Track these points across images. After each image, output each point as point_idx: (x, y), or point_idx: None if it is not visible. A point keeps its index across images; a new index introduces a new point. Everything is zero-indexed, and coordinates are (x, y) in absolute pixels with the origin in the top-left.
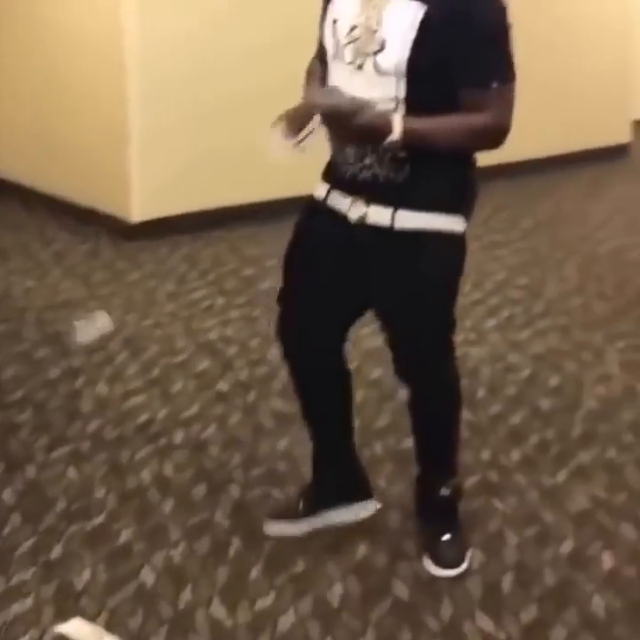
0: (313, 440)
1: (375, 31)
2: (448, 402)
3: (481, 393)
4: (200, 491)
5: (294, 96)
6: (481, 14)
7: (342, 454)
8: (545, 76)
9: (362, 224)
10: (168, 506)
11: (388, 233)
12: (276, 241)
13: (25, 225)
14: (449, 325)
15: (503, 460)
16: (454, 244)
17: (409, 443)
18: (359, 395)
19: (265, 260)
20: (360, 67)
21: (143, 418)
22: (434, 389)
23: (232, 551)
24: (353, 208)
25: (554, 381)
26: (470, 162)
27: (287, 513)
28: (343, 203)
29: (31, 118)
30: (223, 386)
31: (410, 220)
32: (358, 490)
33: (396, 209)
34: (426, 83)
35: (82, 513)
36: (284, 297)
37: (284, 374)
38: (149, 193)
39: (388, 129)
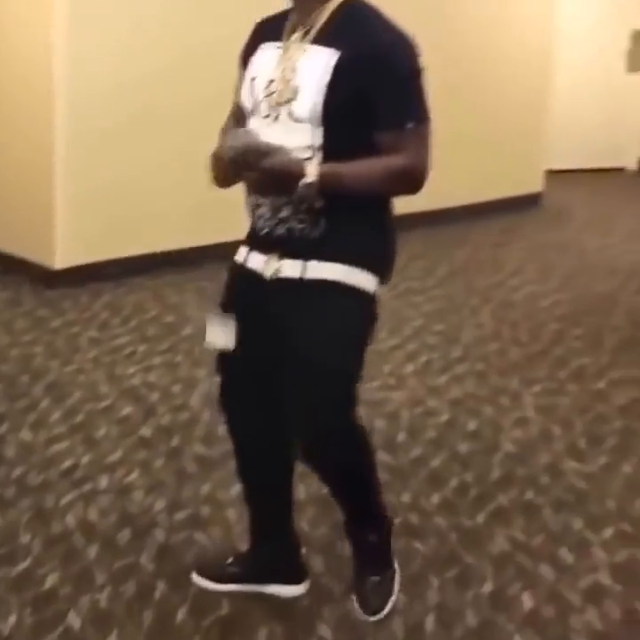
0: (250, 512)
1: (289, 80)
2: (348, 453)
3: (401, 437)
4: (125, 535)
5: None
6: (393, 57)
7: (281, 534)
8: (460, 126)
9: (276, 280)
10: (93, 550)
11: (298, 285)
12: (197, 288)
13: None
14: (344, 381)
15: (423, 502)
16: (361, 301)
17: None
18: None
19: (186, 308)
20: (276, 118)
21: (67, 463)
22: (328, 443)
23: (157, 594)
24: (267, 265)
25: (472, 425)
26: (387, 221)
27: (216, 575)
28: (259, 261)
29: None
30: (146, 431)
31: (318, 270)
32: (293, 573)
33: (307, 260)
34: (341, 128)
35: (7, 558)
36: (219, 368)
37: (205, 419)
38: (73, 240)
39: (301, 172)
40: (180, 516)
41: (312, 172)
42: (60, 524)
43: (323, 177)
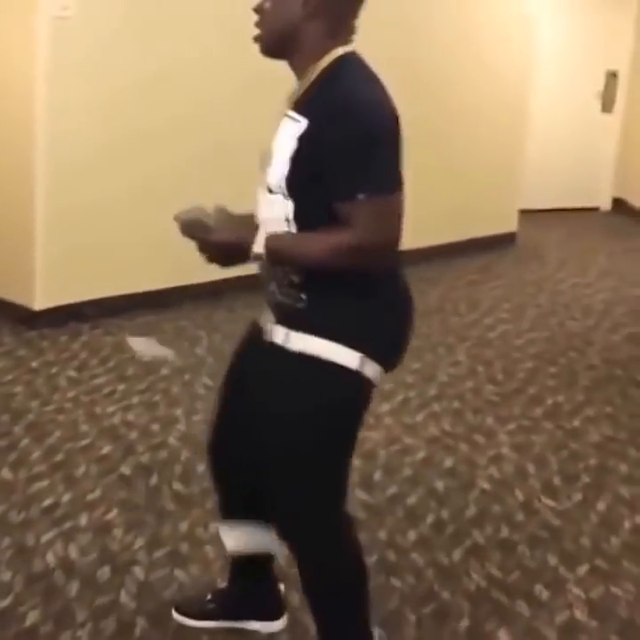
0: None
1: (268, 150)
2: (317, 570)
3: (377, 475)
4: (105, 572)
5: (200, 182)
6: (349, 122)
7: (259, 571)
8: (435, 165)
9: (269, 342)
10: (74, 587)
11: (282, 353)
12: (175, 328)
13: None
14: (318, 481)
15: (400, 539)
16: (339, 378)
17: None
18: None
19: (164, 347)
20: (262, 186)
21: (48, 501)
22: (294, 542)
23: (138, 631)
24: (266, 327)
25: (448, 463)
26: (380, 294)
27: (195, 612)
28: (265, 320)
29: None
30: (126, 469)
31: (300, 342)
32: (272, 609)
33: (291, 330)
34: (309, 199)
35: None
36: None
37: (184, 458)
38: (52, 281)
39: (245, 246)
40: (160, 553)
41: (260, 243)
42: (41, 562)
43: (269, 249)
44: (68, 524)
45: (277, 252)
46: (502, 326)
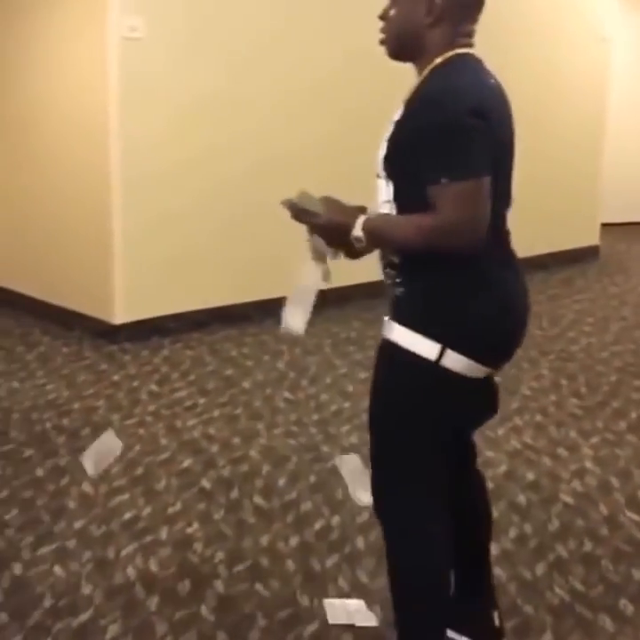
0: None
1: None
2: (391, 556)
3: None
4: (185, 586)
5: (272, 191)
6: (432, 111)
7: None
8: (517, 181)
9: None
10: (154, 601)
11: (383, 342)
12: (257, 342)
13: (10, 328)
14: (381, 451)
15: None
16: (416, 370)
17: None
18: (339, 492)
19: (245, 361)
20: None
21: (128, 515)
22: (377, 512)
23: None
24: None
25: (530, 476)
26: (468, 285)
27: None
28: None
29: (15, 223)
30: (206, 483)
31: (390, 330)
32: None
33: (389, 319)
34: (405, 183)
35: (69, 609)
36: None
37: (265, 471)
38: (132, 296)
39: (348, 226)
40: (240, 567)
41: (358, 225)
42: (122, 575)
43: (365, 230)
44: (148, 538)
45: (372, 233)
46: (586, 339)
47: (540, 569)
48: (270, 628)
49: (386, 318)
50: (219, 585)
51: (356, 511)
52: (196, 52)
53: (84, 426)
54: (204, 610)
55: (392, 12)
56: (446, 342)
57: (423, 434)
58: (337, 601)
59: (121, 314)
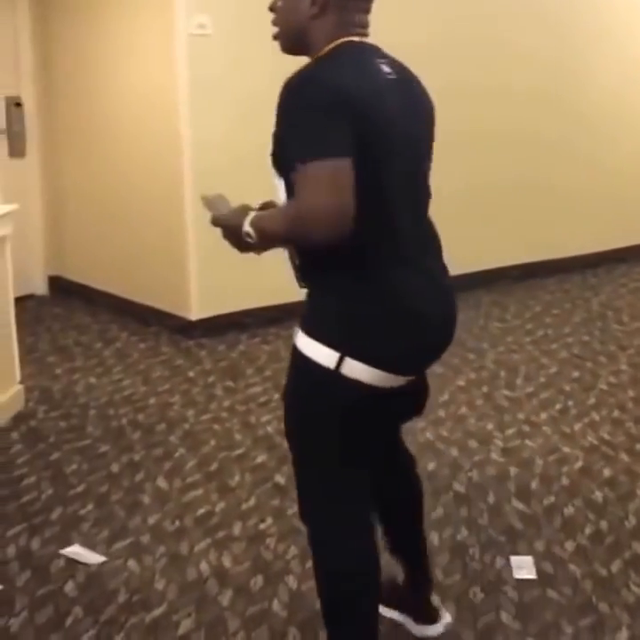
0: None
1: None
2: (313, 560)
3: (534, 484)
4: (258, 581)
5: None
6: (285, 96)
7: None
8: (599, 176)
9: None
10: (227, 596)
11: (293, 345)
12: None
13: (88, 324)
14: (303, 464)
15: (557, 550)
16: (319, 379)
17: (464, 533)
18: None
19: None
20: None
21: (202, 510)
22: (305, 525)
23: None
24: None
25: (607, 472)
26: (365, 290)
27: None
28: None
29: (92, 221)
30: (280, 478)
31: (296, 336)
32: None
33: (299, 326)
34: (286, 178)
35: (142, 604)
36: None
37: None
38: (208, 291)
39: (240, 224)
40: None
41: (247, 221)
42: (195, 571)
43: (253, 226)
44: (221, 533)
45: (256, 227)
46: None
47: (616, 566)
48: None
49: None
50: (291, 581)
51: (430, 508)
52: (262, 47)
53: (160, 421)
54: (276, 605)
55: (279, 4)
56: (344, 350)
57: (330, 440)
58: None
59: (197, 309)
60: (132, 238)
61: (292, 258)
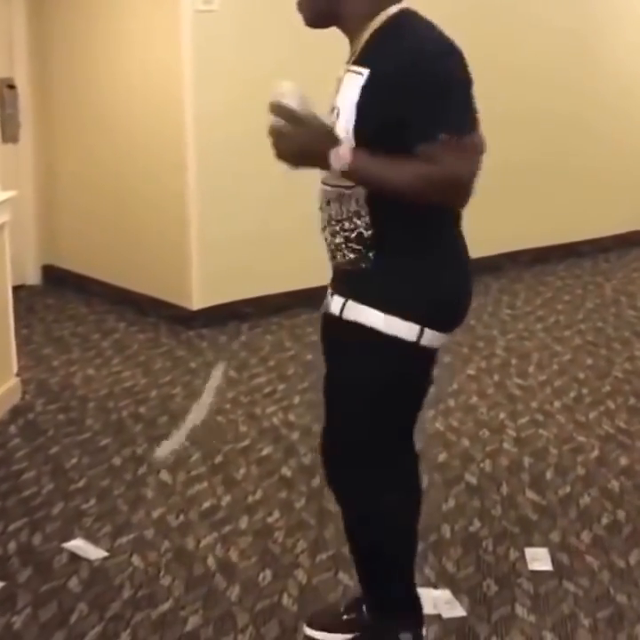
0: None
1: (334, 106)
2: (366, 528)
3: (549, 474)
4: (266, 576)
5: None
6: (422, 67)
7: None
8: (613, 157)
9: (328, 314)
10: (235, 591)
11: (338, 322)
12: None
13: (84, 315)
14: (349, 434)
15: (573, 541)
16: (396, 353)
17: (477, 525)
18: (425, 478)
19: None
20: None
21: (207, 504)
22: (348, 502)
23: (300, 636)
24: (326, 301)
25: (623, 461)
26: (447, 260)
27: (332, 625)
28: (327, 297)
29: (93, 210)
30: (287, 471)
31: (355, 312)
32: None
33: (347, 300)
34: (378, 148)
35: (148, 600)
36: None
37: None
38: (209, 281)
39: (331, 148)
40: (323, 556)
41: (347, 151)
42: (201, 566)
43: (353, 164)
44: (228, 527)
45: (364, 170)
46: None
47: (634, 557)
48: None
49: (338, 299)
50: (301, 575)
51: (442, 500)
52: (268, 24)
53: (162, 414)
54: (285, 600)
55: None
56: (422, 322)
57: (398, 411)
58: (423, 590)
59: (198, 299)
60: (130, 224)
61: (346, 230)
